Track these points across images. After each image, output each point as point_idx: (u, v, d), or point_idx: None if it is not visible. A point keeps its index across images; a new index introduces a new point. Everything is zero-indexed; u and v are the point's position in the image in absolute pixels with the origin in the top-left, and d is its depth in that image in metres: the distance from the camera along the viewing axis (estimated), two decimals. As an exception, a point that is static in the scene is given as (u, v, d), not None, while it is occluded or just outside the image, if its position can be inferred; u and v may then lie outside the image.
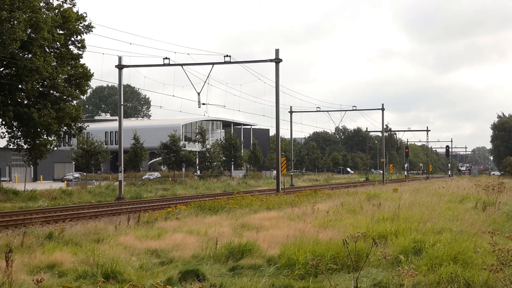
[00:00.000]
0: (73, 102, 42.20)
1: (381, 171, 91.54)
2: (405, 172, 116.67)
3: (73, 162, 75.64)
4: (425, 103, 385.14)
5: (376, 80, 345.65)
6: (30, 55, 37.68)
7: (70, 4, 40.96)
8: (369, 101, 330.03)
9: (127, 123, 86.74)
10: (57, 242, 15.16)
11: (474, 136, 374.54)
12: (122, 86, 44.06)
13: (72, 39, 40.85)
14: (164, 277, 11.24)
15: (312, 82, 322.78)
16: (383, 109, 77.06)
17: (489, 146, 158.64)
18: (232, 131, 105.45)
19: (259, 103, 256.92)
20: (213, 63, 42.11)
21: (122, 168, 44.10)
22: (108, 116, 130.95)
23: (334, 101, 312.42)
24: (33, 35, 37.20)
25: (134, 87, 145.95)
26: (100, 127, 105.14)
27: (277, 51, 42.57)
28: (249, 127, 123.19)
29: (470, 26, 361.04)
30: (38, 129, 39.79)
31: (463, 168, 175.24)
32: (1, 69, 39.12)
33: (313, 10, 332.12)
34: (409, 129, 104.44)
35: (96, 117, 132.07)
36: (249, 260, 12.50)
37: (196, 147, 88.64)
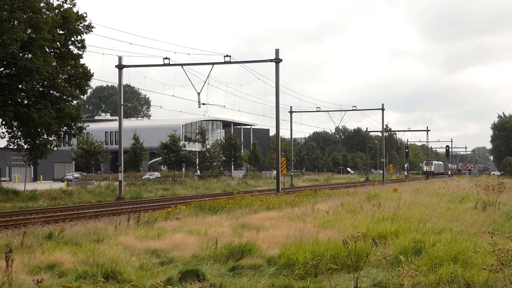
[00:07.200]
0: (73, 102, 42.19)
1: (381, 171, 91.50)
2: (405, 172, 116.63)
3: (73, 162, 75.67)
4: (431, 103, 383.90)
5: (384, 79, 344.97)
6: (30, 55, 37.65)
7: (70, 4, 40.95)
8: (373, 101, 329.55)
9: (127, 123, 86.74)
10: (57, 242, 15.16)
11: (478, 136, 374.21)
12: (122, 86, 44.07)
13: (72, 39, 40.84)
14: (164, 277, 11.25)
15: (321, 81, 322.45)
16: (383, 109, 77.02)
17: (489, 146, 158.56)
18: (232, 131, 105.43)
19: (260, 103, 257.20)
20: (213, 63, 42.12)
21: (122, 168, 44.10)
22: (108, 116, 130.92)
23: (340, 101, 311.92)
24: (33, 35, 37.20)
25: (134, 87, 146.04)
26: (100, 127, 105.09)
27: (277, 51, 42.55)
28: (249, 127, 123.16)
29: (482, 26, 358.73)
30: (38, 129, 39.78)
31: (429, 168, 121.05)
32: (1, 69, 39.11)
33: (327, 8, 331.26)
34: (409, 129, 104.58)
35: (96, 117, 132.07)
36: (249, 260, 12.50)
37: (196, 147, 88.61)
